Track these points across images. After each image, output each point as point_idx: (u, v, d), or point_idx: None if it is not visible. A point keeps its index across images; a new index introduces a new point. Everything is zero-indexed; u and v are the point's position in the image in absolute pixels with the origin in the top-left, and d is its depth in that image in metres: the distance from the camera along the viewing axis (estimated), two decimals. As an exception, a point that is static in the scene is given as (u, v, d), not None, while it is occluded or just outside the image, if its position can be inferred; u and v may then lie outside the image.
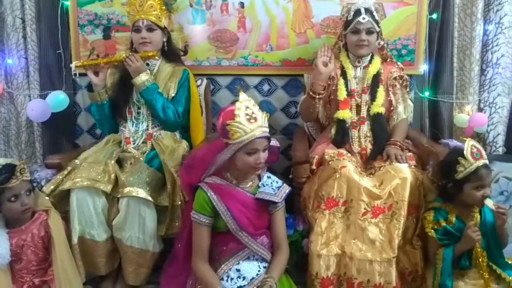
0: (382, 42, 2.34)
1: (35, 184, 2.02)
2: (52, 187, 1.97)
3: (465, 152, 1.81)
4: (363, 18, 2.21)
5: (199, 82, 2.56)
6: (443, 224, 1.83)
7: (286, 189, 1.82)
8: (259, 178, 1.84)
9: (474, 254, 1.79)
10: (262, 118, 1.70)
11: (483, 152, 1.83)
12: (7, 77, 2.79)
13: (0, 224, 1.79)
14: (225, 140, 1.70)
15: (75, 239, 1.93)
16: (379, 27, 2.28)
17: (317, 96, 2.21)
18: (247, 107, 1.70)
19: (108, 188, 1.95)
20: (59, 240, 1.81)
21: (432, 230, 1.83)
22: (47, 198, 1.92)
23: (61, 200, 1.97)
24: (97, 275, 2.05)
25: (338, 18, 2.57)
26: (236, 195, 1.77)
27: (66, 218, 1.95)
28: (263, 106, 2.77)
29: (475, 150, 1.82)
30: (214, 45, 2.72)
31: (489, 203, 1.79)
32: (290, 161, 2.78)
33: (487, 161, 1.82)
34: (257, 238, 1.78)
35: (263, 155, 1.71)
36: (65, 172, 2.02)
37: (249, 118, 1.67)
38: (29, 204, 1.78)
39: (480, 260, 1.78)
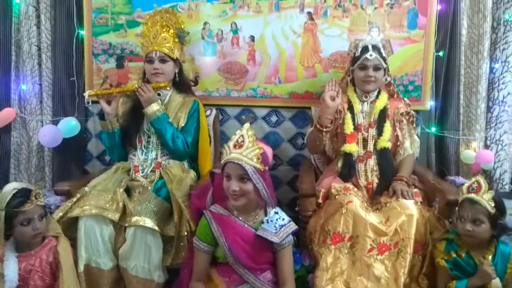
0: (389, 78, 2.39)
1: (46, 209, 2.03)
2: (60, 213, 1.99)
3: (465, 184, 1.88)
4: (371, 55, 2.26)
5: (208, 112, 2.60)
6: (454, 255, 1.83)
7: (290, 228, 1.81)
8: (266, 213, 1.84)
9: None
10: (248, 149, 1.73)
11: (483, 189, 1.82)
12: (20, 102, 2.86)
13: (10, 248, 1.79)
14: None
15: (81, 267, 1.93)
16: (386, 63, 2.33)
17: (324, 129, 2.24)
18: (241, 135, 1.77)
19: (116, 216, 1.97)
20: (67, 266, 1.81)
21: (443, 260, 1.83)
22: None
23: (69, 227, 1.99)
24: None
25: (346, 54, 2.62)
26: (236, 227, 1.79)
27: (73, 245, 1.96)
28: (270, 137, 2.80)
29: (475, 185, 1.85)
30: (224, 76, 2.78)
31: (494, 285, 1.77)
32: (296, 192, 2.80)
33: (473, 197, 1.82)
34: (258, 274, 1.78)
35: (237, 184, 1.72)
36: (74, 199, 2.04)
37: (236, 144, 1.75)
38: (40, 229, 1.80)
39: None
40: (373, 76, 2.27)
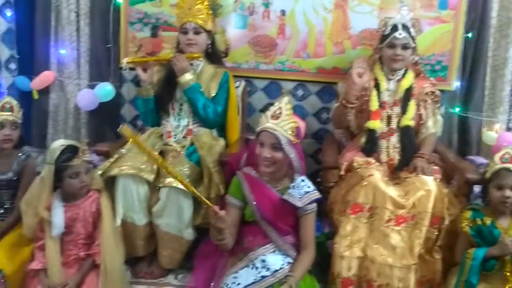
0: (416, 58, 2.42)
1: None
2: (100, 172, 2.13)
3: (496, 154, 1.97)
4: (400, 34, 2.30)
5: (237, 83, 2.69)
6: (479, 222, 1.92)
7: (313, 196, 1.93)
8: (292, 179, 1.96)
9: (501, 261, 1.87)
10: (284, 121, 1.85)
11: None
12: (59, 66, 2.97)
13: (57, 198, 1.96)
14: None
15: (118, 222, 2.08)
16: (414, 43, 2.35)
17: (350, 105, 2.31)
18: (279, 108, 1.89)
19: (151, 177, 2.11)
20: (107, 217, 1.98)
21: (467, 226, 1.92)
22: None
23: (107, 185, 2.13)
24: (134, 256, 2.22)
25: (375, 31, 2.64)
26: (264, 189, 1.93)
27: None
28: (296, 110, 2.82)
29: (507, 156, 1.95)
30: (254, 49, 2.85)
31: None
32: (318, 165, 2.89)
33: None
34: (282, 234, 1.91)
35: (269, 152, 1.85)
36: (112, 159, 2.18)
37: (273, 115, 1.88)
38: (86, 182, 1.96)
39: (507, 267, 1.86)
40: (401, 54, 2.31)
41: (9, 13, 2.91)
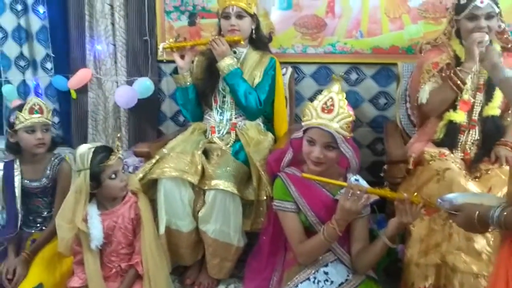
0: (503, 25, 1.98)
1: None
2: (141, 175, 1.97)
3: None
4: (481, 2, 1.88)
5: (283, 70, 2.45)
6: None
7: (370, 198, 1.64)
8: (345, 179, 1.71)
9: None
10: (338, 115, 1.58)
11: None
12: (95, 62, 2.86)
13: (92, 207, 1.79)
14: None
15: (162, 229, 1.92)
16: (498, 7, 1.92)
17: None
18: (331, 98, 1.61)
19: (196, 179, 1.92)
20: (147, 221, 1.81)
21: None
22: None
23: (148, 189, 1.97)
24: (181, 265, 2.05)
25: (439, 2, 2.33)
26: (314, 190, 1.69)
27: (152, 207, 1.94)
28: (349, 96, 2.60)
29: None
30: (300, 31, 2.61)
31: None
32: (376, 156, 2.65)
33: None
34: (341, 242, 1.68)
35: (321, 151, 1.59)
36: (153, 161, 2.01)
37: (324, 108, 1.61)
38: (126, 181, 1.80)
39: None
40: (486, 26, 1.89)
41: (42, 10, 2.82)
